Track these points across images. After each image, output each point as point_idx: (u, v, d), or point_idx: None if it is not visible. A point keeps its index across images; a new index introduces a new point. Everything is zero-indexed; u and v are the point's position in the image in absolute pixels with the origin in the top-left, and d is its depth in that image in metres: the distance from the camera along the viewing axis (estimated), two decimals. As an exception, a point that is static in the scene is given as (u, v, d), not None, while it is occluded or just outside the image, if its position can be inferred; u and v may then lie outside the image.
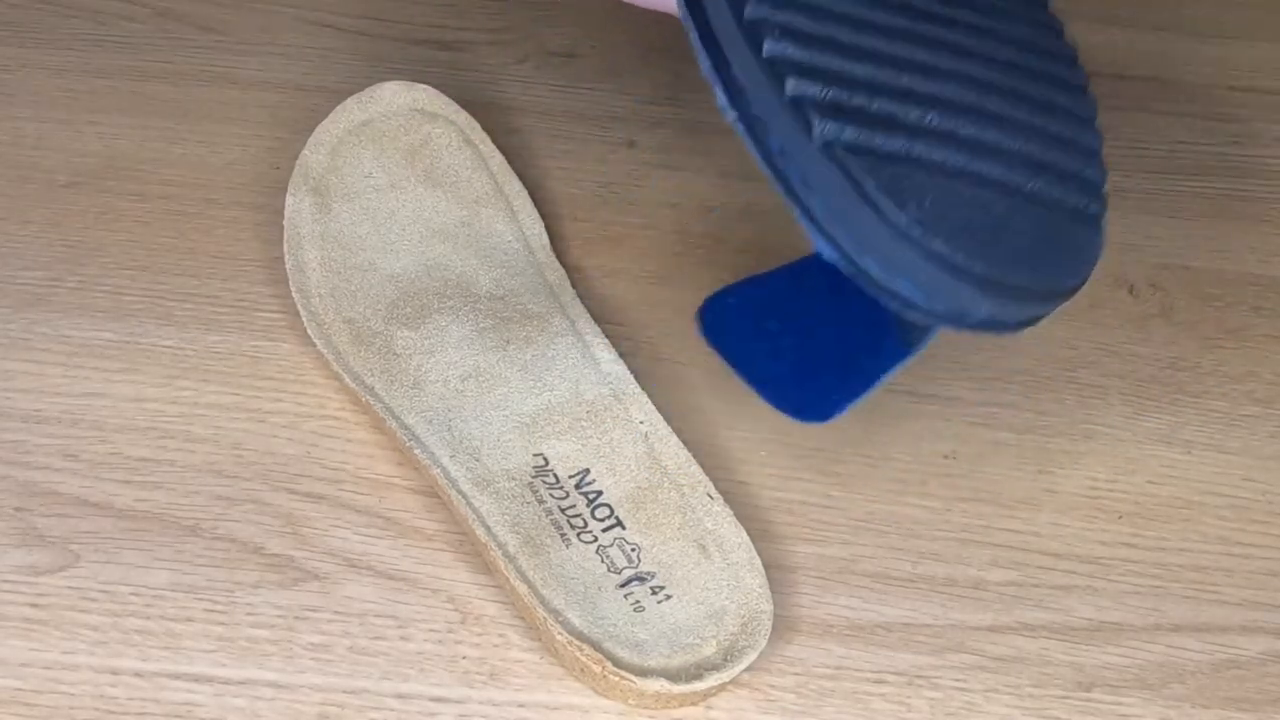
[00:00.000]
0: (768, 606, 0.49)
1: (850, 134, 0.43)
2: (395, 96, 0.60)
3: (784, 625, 0.50)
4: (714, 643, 0.48)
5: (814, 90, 0.44)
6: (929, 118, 0.45)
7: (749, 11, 0.45)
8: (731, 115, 0.45)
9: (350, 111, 0.60)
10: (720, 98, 0.45)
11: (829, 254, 0.44)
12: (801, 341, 0.53)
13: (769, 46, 0.44)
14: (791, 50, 0.44)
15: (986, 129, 0.45)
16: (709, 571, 0.50)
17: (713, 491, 0.52)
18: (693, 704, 0.49)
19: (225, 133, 0.64)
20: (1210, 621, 0.52)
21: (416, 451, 0.52)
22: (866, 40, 0.46)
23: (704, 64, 0.45)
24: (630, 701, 0.48)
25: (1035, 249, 0.44)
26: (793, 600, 0.51)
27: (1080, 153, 0.47)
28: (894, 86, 0.45)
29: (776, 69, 0.44)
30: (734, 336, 0.53)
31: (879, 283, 0.44)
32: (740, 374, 0.55)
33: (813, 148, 0.43)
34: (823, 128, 0.43)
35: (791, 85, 0.44)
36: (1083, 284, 0.46)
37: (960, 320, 0.44)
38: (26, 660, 0.48)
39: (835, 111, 0.43)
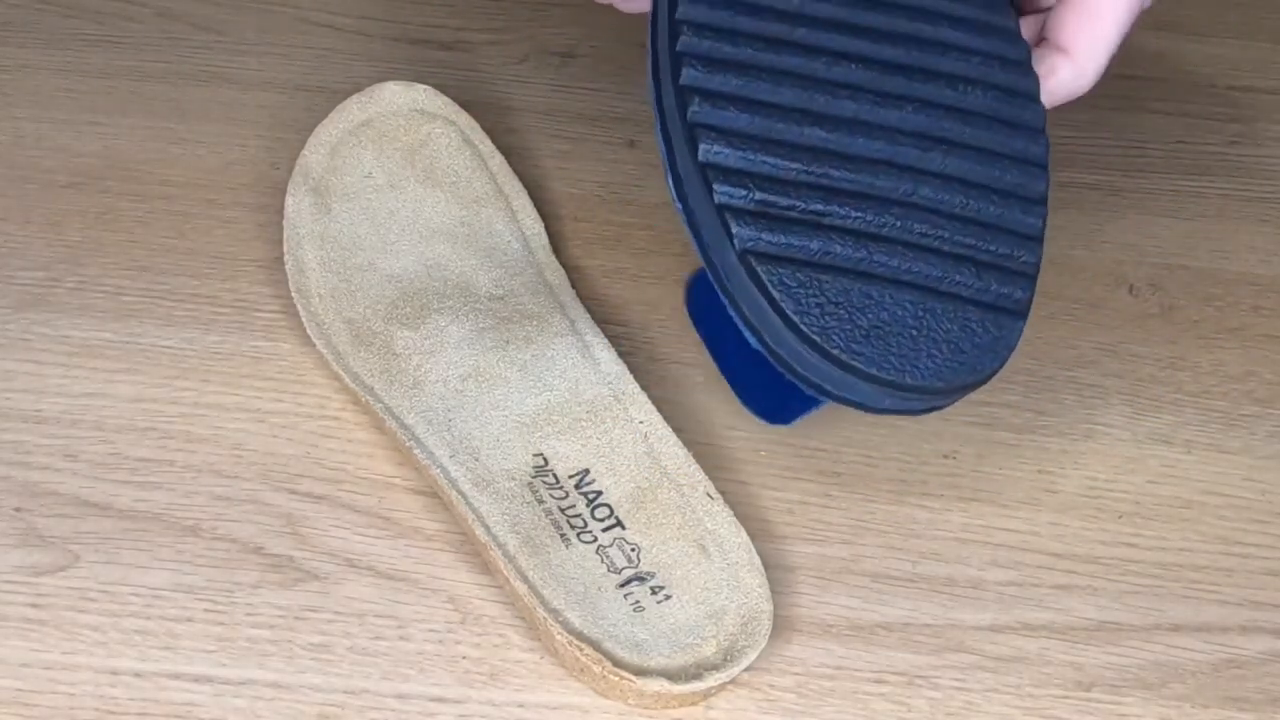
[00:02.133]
0: (768, 606, 0.49)
1: (767, 241, 0.45)
2: (395, 96, 0.60)
3: (784, 625, 0.50)
4: (714, 643, 0.48)
5: (740, 196, 0.46)
6: (854, 217, 0.46)
7: (691, 113, 0.46)
8: (677, 206, 0.47)
9: (350, 111, 0.60)
10: (670, 188, 0.47)
11: (752, 341, 0.46)
12: None
13: (703, 151, 0.46)
14: (725, 155, 0.46)
15: (914, 221, 0.47)
16: (709, 571, 0.50)
17: (713, 491, 0.52)
18: (693, 704, 0.49)
19: (225, 133, 0.64)
20: (1210, 621, 0.52)
21: (416, 451, 0.52)
22: (806, 132, 0.47)
23: (661, 151, 0.47)
24: (630, 701, 0.48)
25: (943, 353, 0.46)
26: (793, 600, 0.51)
27: (1017, 231, 0.48)
28: (824, 185, 0.46)
29: (707, 174, 0.46)
30: (712, 318, 0.52)
31: (794, 371, 0.46)
32: (712, 355, 0.55)
33: (732, 254, 0.45)
34: (741, 235, 0.45)
35: (719, 193, 0.46)
36: (996, 373, 0.47)
37: (867, 409, 0.46)
38: (26, 660, 0.48)
39: (757, 218, 0.45)
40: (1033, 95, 0.50)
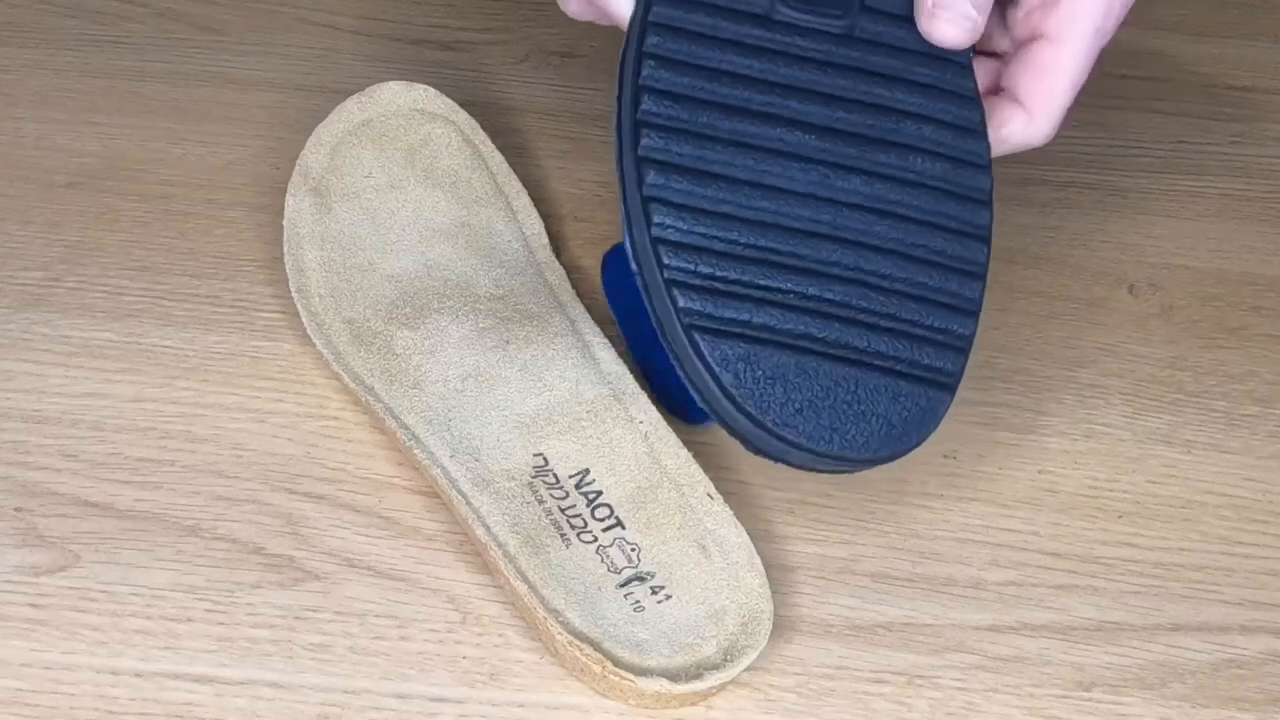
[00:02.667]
0: (768, 606, 0.49)
1: (712, 316, 0.47)
2: (395, 96, 0.60)
3: (784, 625, 0.50)
4: (714, 642, 0.48)
5: (688, 271, 0.48)
6: (797, 292, 0.48)
7: (646, 186, 0.48)
8: (633, 266, 0.48)
9: (350, 111, 0.60)
10: (630, 258, 0.49)
11: (694, 397, 0.48)
12: None
13: (655, 227, 0.48)
14: (677, 230, 0.48)
15: (855, 295, 0.48)
16: (709, 571, 0.50)
17: (713, 491, 0.52)
18: (693, 704, 0.49)
19: (225, 133, 0.64)
20: (1210, 621, 0.52)
21: (416, 451, 0.52)
22: (756, 205, 0.48)
23: (623, 220, 0.49)
24: (630, 701, 0.48)
25: (873, 426, 0.48)
26: (793, 600, 0.51)
27: (954, 304, 0.49)
28: (771, 260, 0.48)
29: (658, 249, 0.48)
30: (625, 297, 0.52)
31: (728, 428, 0.48)
32: (625, 336, 0.56)
33: (678, 325, 0.47)
34: (688, 308, 0.47)
35: (669, 268, 0.48)
36: (920, 444, 0.49)
37: (792, 466, 0.48)
38: (26, 660, 0.48)
39: (703, 293, 0.47)
40: (982, 162, 0.50)
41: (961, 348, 0.49)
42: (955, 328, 0.49)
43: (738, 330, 0.47)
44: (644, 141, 0.49)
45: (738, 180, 0.49)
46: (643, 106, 0.49)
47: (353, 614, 0.50)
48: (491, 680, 0.49)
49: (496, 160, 0.60)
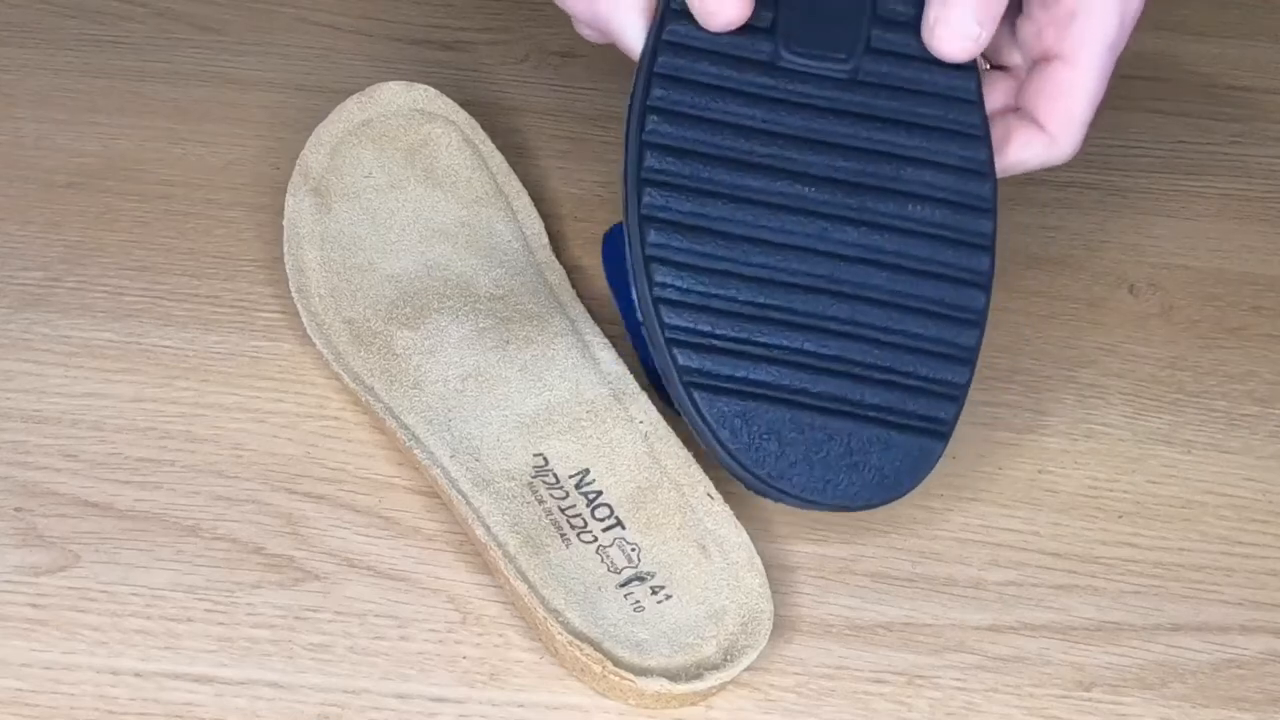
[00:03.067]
0: (768, 606, 0.49)
1: (710, 373, 0.49)
2: (395, 96, 0.60)
3: (784, 625, 0.50)
4: (714, 642, 0.48)
5: (687, 330, 0.49)
6: (795, 347, 0.49)
7: (648, 245, 0.49)
8: (639, 319, 0.50)
9: (350, 111, 0.60)
10: (638, 308, 0.50)
11: (696, 440, 0.50)
12: None
13: (657, 287, 0.49)
14: (677, 289, 0.49)
15: (851, 349, 0.49)
16: (709, 571, 0.50)
17: (713, 491, 0.52)
18: (693, 704, 0.49)
19: (225, 133, 0.64)
20: (1210, 621, 0.52)
21: (416, 451, 0.52)
22: (754, 260, 0.49)
23: (629, 269, 0.50)
24: (630, 701, 0.48)
25: (865, 476, 0.49)
26: (793, 600, 0.51)
27: (950, 354, 0.50)
28: (769, 317, 0.49)
29: (659, 308, 0.49)
30: (624, 277, 0.52)
31: (728, 469, 0.49)
32: (624, 318, 0.56)
33: (677, 382, 0.49)
34: (686, 366, 0.49)
35: (669, 327, 0.49)
36: (912, 490, 0.50)
37: (788, 504, 0.50)
38: (26, 660, 0.48)
39: (702, 351, 0.49)
40: (985, 206, 0.51)
41: (955, 396, 0.50)
42: (950, 377, 0.50)
43: (734, 387, 0.49)
44: (646, 199, 0.49)
45: (736, 236, 0.50)
46: (646, 163, 0.50)
47: (353, 614, 0.50)
48: (491, 680, 0.49)
49: (496, 160, 0.60)
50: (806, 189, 0.50)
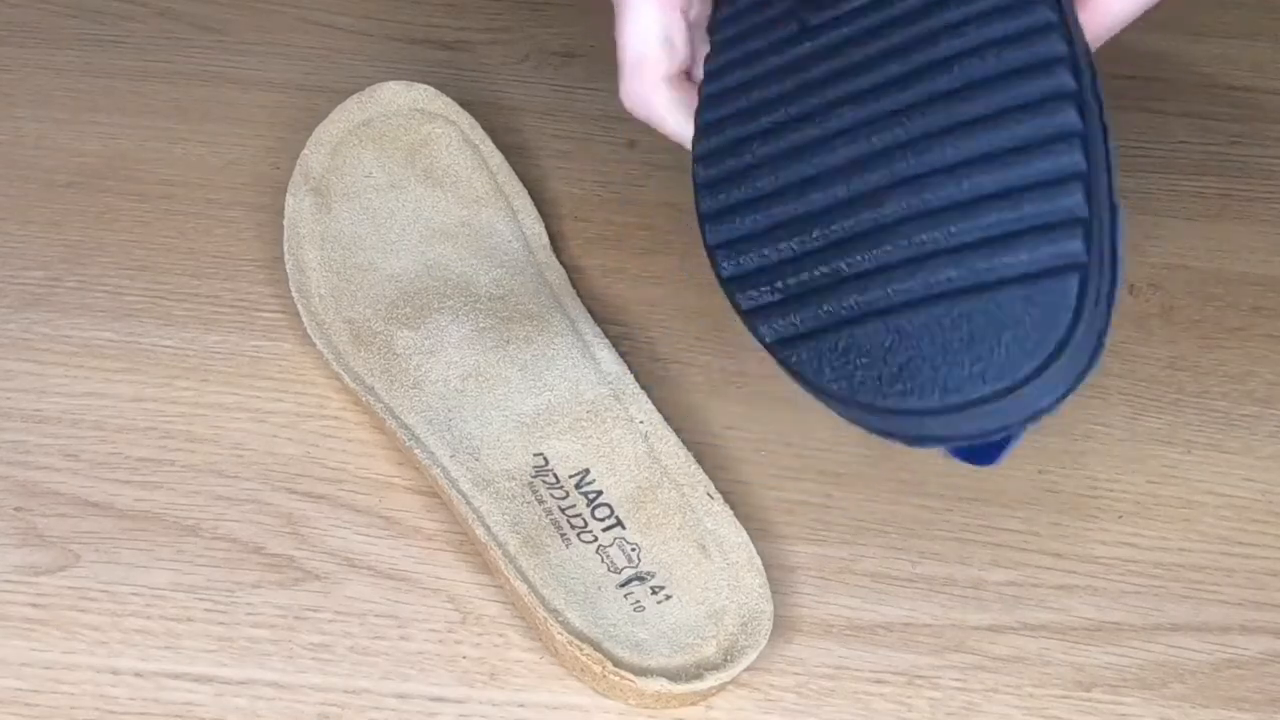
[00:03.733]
0: (768, 606, 0.49)
1: (791, 324, 0.45)
2: (395, 96, 0.60)
3: (784, 625, 0.50)
4: (714, 642, 0.48)
5: (762, 296, 0.46)
6: (868, 258, 0.44)
7: (709, 236, 0.47)
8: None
9: (350, 111, 0.60)
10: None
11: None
12: None
13: (725, 269, 0.46)
14: (741, 265, 0.46)
15: (927, 232, 0.44)
16: (709, 571, 0.50)
17: (713, 491, 0.52)
18: (693, 704, 0.49)
19: (225, 133, 0.64)
20: (1210, 621, 0.52)
21: (416, 451, 0.52)
22: (805, 200, 0.46)
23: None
24: (630, 701, 0.48)
25: (981, 351, 0.42)
26: (793, 600, 0.51)
27: (1047, 179, 0.44)
28: (832, 243, 0.45)
29: (730, 288, 0.46)
30: None
31: (868, 427, 0.45)
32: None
33: (763, 347, 0.45)
34: (766, 330, 0.45)
35: (744, 300, 0.46)
36: (1062, 352, 0.42)
37: (954, 442, 0.44)
38: (26, 660, 0.48)
39: (778, 308, 0.45)
40: (1039, 27, 0.45)
41: (1072, 220, 0.43)
42: (1060, 199, 0.44)
43: (816, 328, 0.44)
44: (702, 203, 0.48)
45: (784, 190, 0.46)
46: (698, 180, 0.48)
47: (353, 614, 0.50)
48: (491, 680, 0.49)
49: (496, 160, 0.60)
50: (844, 112, 0.46)
